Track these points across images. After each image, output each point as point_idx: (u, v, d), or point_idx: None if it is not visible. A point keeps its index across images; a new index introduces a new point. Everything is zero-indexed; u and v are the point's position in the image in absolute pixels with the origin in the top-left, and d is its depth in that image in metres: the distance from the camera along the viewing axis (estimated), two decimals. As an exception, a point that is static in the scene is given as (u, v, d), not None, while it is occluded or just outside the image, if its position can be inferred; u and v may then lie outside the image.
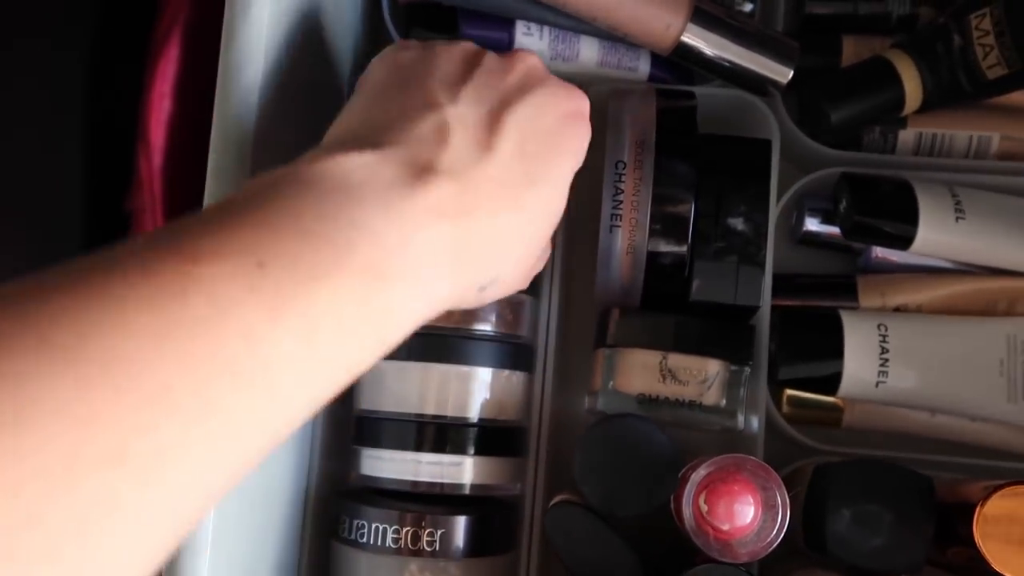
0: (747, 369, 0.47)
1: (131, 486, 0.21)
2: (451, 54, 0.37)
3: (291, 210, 0.28)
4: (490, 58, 0.37)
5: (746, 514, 0.40)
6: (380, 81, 0.36)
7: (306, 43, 0.45)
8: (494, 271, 0.35)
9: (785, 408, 0.52)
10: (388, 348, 0.30)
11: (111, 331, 0.22)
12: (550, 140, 0.36)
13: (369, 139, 0.32)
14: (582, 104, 0.39)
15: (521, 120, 0.35)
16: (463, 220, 0.32)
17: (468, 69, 0.36)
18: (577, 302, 0.52)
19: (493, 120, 0.34)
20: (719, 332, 0.47)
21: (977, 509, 0.40)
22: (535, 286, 0.50)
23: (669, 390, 0.47)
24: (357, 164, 0.30)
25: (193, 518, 0.24)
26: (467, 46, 0.38)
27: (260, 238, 0.26)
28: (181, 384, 0.23)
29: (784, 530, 0.40)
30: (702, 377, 0.47)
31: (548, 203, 0.37)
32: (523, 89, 0.36)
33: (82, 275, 0.23)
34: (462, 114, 0.34)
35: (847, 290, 0.52)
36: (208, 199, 0.39)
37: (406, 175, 0.31)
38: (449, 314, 0.47)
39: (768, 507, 0.41)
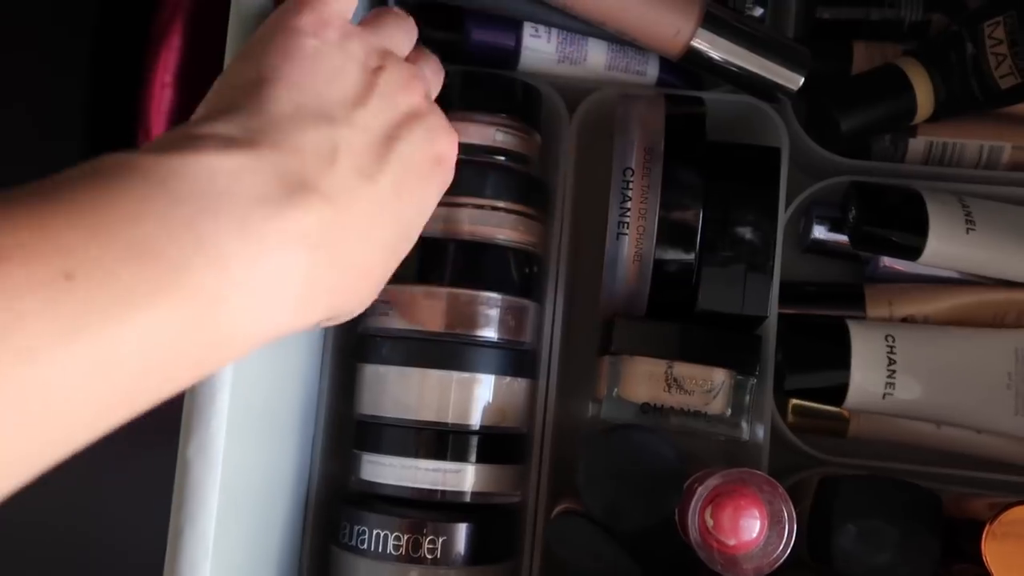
0: (753, 379, 0.47)
1: None
2: (355, 57, 0.34)
3: (130, 211, 0.25)
4: (392, 70, 0.35)
5: (752, 529, 0.40)
6: (274, 56, 0.33)
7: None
8: (340, 308, 0.34)
9: (790, 418, 0.52)
10: (211, 371, 0.28)
11: None
12: (423, 181, 0.36)
13: (248, 133, 0.29)
14: (454, 149, 0.38)
15: (404, 155, 0.34)
16: (324, 250, 0.30)
17: (370, 84, 0.34)
18: (581, 309, 0.52)
19: (381, 150, 0.33)
20: (725, 341, 0.47)
21: (986, 527, 0.39)
22: (539, 293, 0.50)
23: (674, 399, 0.46)
24: (225, 168, 0.27)
25: None
26: (376, 44, 0.36)
27: (79, 242, 0.23)
28: None
29: (791, 546, 0.40)
30: (708, 386, 0.46)
31: (407, 243, 0.37)
32: (413, 118, 0.35)
33: None
34: (353, 137, 0.32)
35: (854, 299, 0.52)
36: None
37: (278, 190, 0.28)
38: (451, 319, 0.47)
39: (774, 522, 0.40)
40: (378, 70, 0.35)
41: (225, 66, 0.37)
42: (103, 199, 0.25)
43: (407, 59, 0.39)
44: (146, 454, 0.50)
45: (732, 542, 0.40)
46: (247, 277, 0.27)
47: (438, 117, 0.38)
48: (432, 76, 0.41)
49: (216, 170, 0.27)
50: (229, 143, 0.28)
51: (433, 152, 0.37)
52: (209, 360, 0.27)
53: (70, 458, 0.24)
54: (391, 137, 0.34)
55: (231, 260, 0.26)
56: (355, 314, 0.36)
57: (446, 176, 0.38)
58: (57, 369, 0.22)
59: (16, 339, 0.21)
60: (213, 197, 0.27)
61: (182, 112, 0.72)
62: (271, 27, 0.34)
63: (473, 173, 0.47)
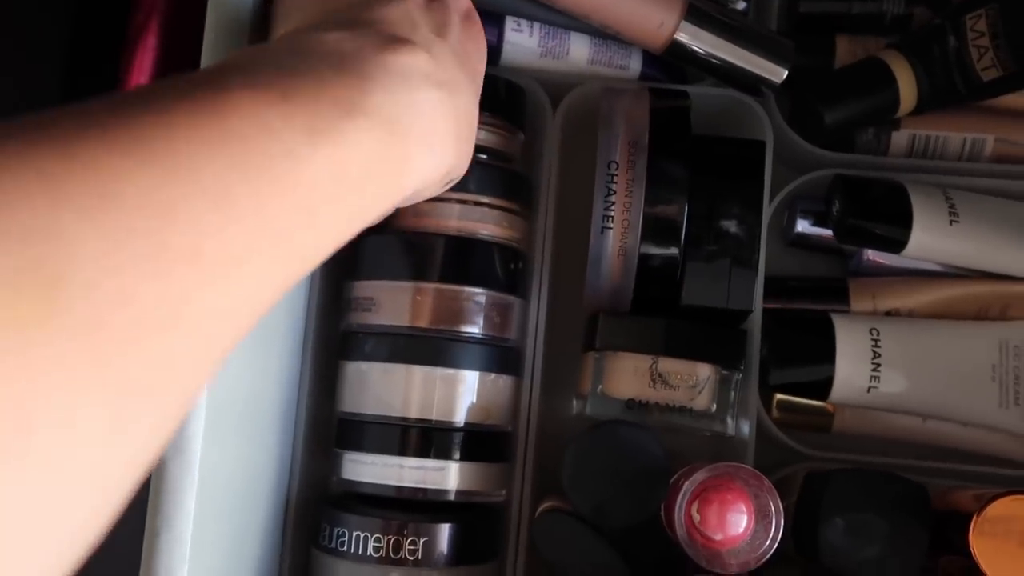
0: (738, 373, 0.46)
1: (205, 284, 0.22)
2: None
3: (299, 62, 0.28)
4: None
5: (739, 524, 0.39)
6: None
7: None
8: (463, 158, 0.37)
9: (775, 413, 0.52)
10: (395, 203, 0.31)
11: (172, 137, 0.22)
12: (471, 36, 0.38)
13: (333, 23, 0.32)
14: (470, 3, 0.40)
15: (454, 18, 0.36)
16: (446, 91, 0.33)
17: None
18: (567, 305, 0.51)
19: (441, 17, 0.36)
20: (710, 336, 0.46)
21: (973, 519, 0.39)
22: (524, 289, 0.49)
23: (659, 395, 0.46)
24: (339, 37, 0.30)
25: (245, 327, 0.25)
26: None
27: (280, 77, 0.27)
28: (240, 192, 0.23)
29: (778, 540, 0.39)
30: (692, 381, 0.46)
31: (479, 90, 0.38)
32: None
33: (129, 101, 0.23)
34: (415, 7, 0.34)
35: (838, 293, 0.51)
36: None
37: (390, 44, 0.31)
38: (435, 315, 0.46)
39: (761, 517, 0.40)
40: None
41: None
42: (272, 57, 0.29)
43: None
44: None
45: (719, 537, 0.39)
46: (410, 107, 0.30)
47: None
48: None
49: (336, 39, 0.30)
50: (328, 26, 0.31)
51: (463, 7, 0.38)
52: (400, 182, 0.31)
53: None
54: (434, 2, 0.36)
55: (394, 93, 0.30)
56: (465, 168, 0.38)
57: (480, 25, 0.40)
58: (310, 165, 0.26)
59: (275, 140, 0.25)
60: (350, 53, 0.30)
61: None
62: None
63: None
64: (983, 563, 0.39)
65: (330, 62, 0.29)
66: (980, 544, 0.39)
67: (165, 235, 0.21)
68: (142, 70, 0.70)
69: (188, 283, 0.21)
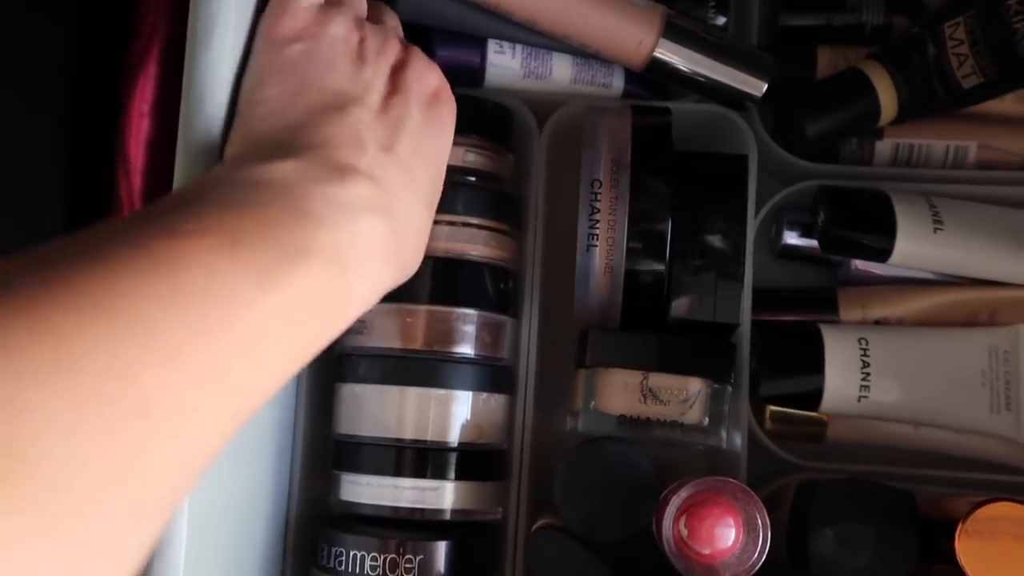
0: (729, 387, 0.47)
1: (156, 439, 0.23)
2: (338, 39, 0.37)
3: (246, 201, 0.30)
4: (370, 36, 0.39)
5: (727, 537, 0.40)
6: (272, 76, 0.37)
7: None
8: (407, 265, 0.38)
9: (768, 424, 0.52)
10: (341, 331, 0.32)
11: (129, 297, 0.24)
12: (432, 124, 0.39)
13: (281, 148, 0.33)
14: (442, 77, 0.41)
15: (409, 110, 0.38)
16: (388, 216, 0.34)
17: (360, 57, 0.37)
18: (558, 323, 0.52)
19: (388, 119, 0.37)
20: (700, 350, 0.47)
21: (959, 526, 0.40)
22: (515, 308, 0.50)
23: (650, 410, 0.46)
24: (285, 169, 0.32)
25: (199, 469, 0.26)
26: (348, 18, 0.38)
27: (229, 221, 0.28)
28: (192, 347, 0.24)
29: (765, 553, 0.40)
30: (683, 396, 0.46)
31: (438, 189, 0.40)
32: (400, 69, 0.39)
33: (79, 250, 0.24)
34: (365, 115, 0.36)
35: (827, 303, 0.52)
36: None
37: (333, 174, 0.33)
38: (426, 337, 0.47)
39: (750, 530, 0.40)
40: (361, 42, 0.38)
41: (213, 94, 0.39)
42: (220, 197, 0.30)
43: (368, 17, 0.41)
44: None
45: (707, 551, 0.40)
46: (352, 241, 0.32)
47: (417, 55, 0.40)
48: (391, 21, 0.43)
49: (282, 171, 0.32)
50: (275, 156, 0.33)
51: (429, 91, 0.40)
52: (345, 312, 0.32)
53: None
54: (391, 97, 0.37)
55: (338, 228, 0.31)
56: (414, 271, 0.39)
57: (450, 105, 0.41)
58: (257, 310, 0.27)
59: (226, 289, 0.26)
60: (294, 185, 0.31)
61: (160, 140, 0.72)
62: (259, 49, 0.38)
63: (446, 191, 0.47)
64: (969, 570, 0.39)
65: (277, 197, 0.30)
66: (966, 551, 0.39)
67: (118, 395, 0.22)
68: (144, 98, 0.71)
69: (140, 440, 0.22)
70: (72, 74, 0.71)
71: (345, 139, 0.34)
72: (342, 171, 0.33)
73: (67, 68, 0.71)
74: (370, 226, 0.33)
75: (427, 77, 0.40)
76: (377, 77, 0.38)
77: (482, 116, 0.49)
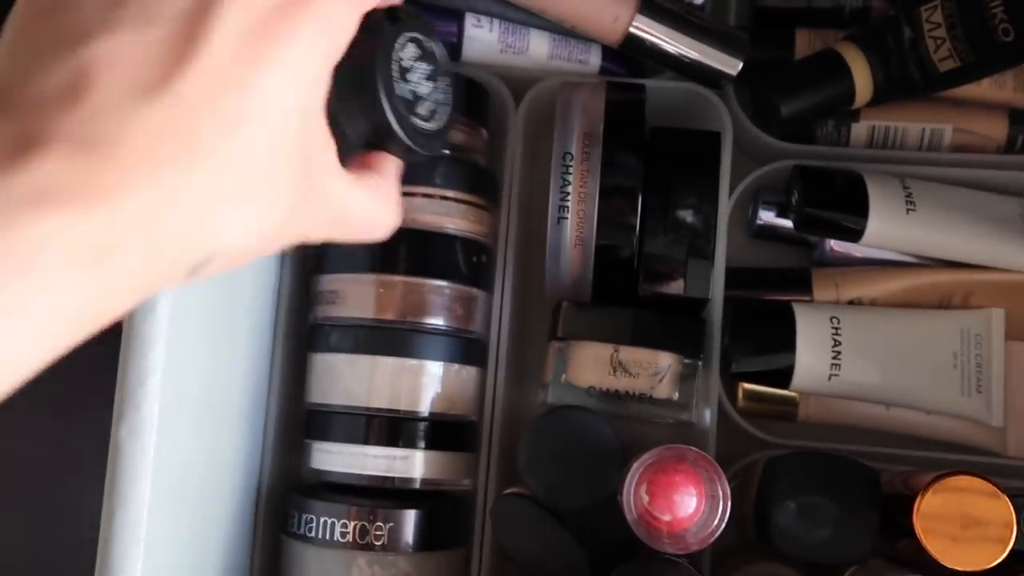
0: (699, 362, 0.47)
1: None
2: None
3: None
4: None
5: (687, 505, 0.40)
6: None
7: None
8: (199, 250, 0.25)
9: (741, 402, 0.52)
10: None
11: None
12: (271, 35, 0.25)
13: None
14: None
15: (226, 19, 0.25)
16: (106, 198, 0.23)
17: None
18: (531, 298, 0.52)
19: (181, 36, 0.24)
20: (670, 325, 0.47)
21: (917, 500, 0.40)
22: (488, 281, 0.50)
23: (620, 383, 0.47)
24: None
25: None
26: None
27: None
28: None
29: (725, 521, 0.40)
30: (653, 370, 0.47)
31: (275, 120, 0.26)
32: None
33: None
34: (121, 47, 0.24)
35: (801, 283, 0.52)
36: None
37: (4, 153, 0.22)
38: (399, 307, 0.47)
39: (710, 498, 0.40)
40: None
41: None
42: None
43: None
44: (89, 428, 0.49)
45: (668, 518, 0.40)
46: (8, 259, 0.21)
47: None
48: None
49: None
50: None
51: None
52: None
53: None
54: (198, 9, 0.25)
55: None
56: (270, 246, 0.28)
57: (321, 18, 0.26)
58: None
59: None
60: None
61: None
62: None
63: (421, 164, 0.48)
64: (928, 544, 0.40)
65: None
66: (924, 524, 0.40)
67: None
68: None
69: None
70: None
71: (56, 89, 0.23)
72: (22, 147, 0.22)
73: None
74: (54, 226, 0.22)
75: None
76: None
77: (457, 91, 0.49)
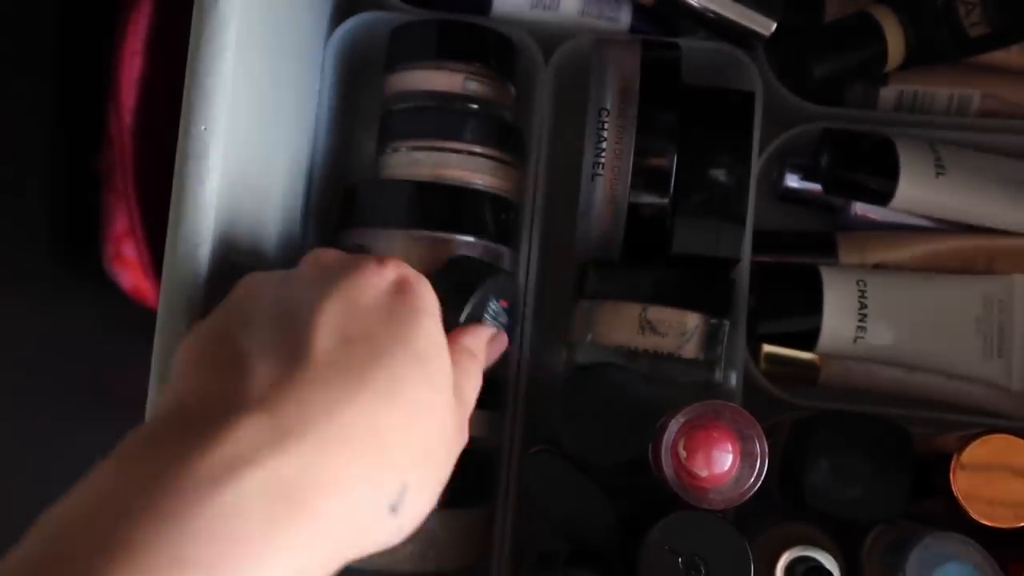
0: (726, 323, 0.47)
1: None
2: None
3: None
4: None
5: (724, 461, 0.40)
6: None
7: (278, 11, 0.43)
8: (390, 484, 0.29)
9: (762, 364, 0.52)
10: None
11: None
12: (379, 315, 0.32)
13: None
14: (396, 271, 0.35)
15: (334, 313, 0.31)
16: (283, 447, 0.26)
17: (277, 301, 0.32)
18: (558, 256, 0.51)
19: (299, 329, 0.30)
20: (699, 285, 0.47)
21: (954, 457, 0.40)
22: (515, 239, 0.50)
23: (648, 342, 0.46)
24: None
25: None
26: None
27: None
28: None
29: (762, 478, 0.40)
30: (681, 330, 0.46)
31: (411, 369, 0.31)
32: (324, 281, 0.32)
33: None
34: (259, 341, 0.30)
35: (827, 247, 0.52)
36: (182, 156, 0.37)
37: (195, 432, 0.26)
38: (425, 264, 0.47)
39: (746, 454, 0.40)
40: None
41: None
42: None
43: None
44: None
45: (704, 474, 0.40)
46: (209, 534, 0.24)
47: (362, 259, 0.34)
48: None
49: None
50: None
51: (384, 285, 0.33)
52: None
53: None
54: (309, 307, 0.31)
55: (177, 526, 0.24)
56: (444, 472, 0.33)
57: (416, 301, 0.33)
58: None
59: None
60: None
61: (151, 79, 0.71)
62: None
63: (451, 119, 0.47)
64: (964, 501, 0.40)
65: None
66: (961, 483, 0.40)
67: None
68: (137, 36, 0.70)
69: None
70: (64, 11, 0.70)
71: (227, 379, 0.29)
72: (218, 421, 0.26)
73: (60, 7, 0.70)
74: (245, 490, 0.25)
75: (383, 267, 0.34)
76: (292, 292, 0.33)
77: (484, 44, 0.49)
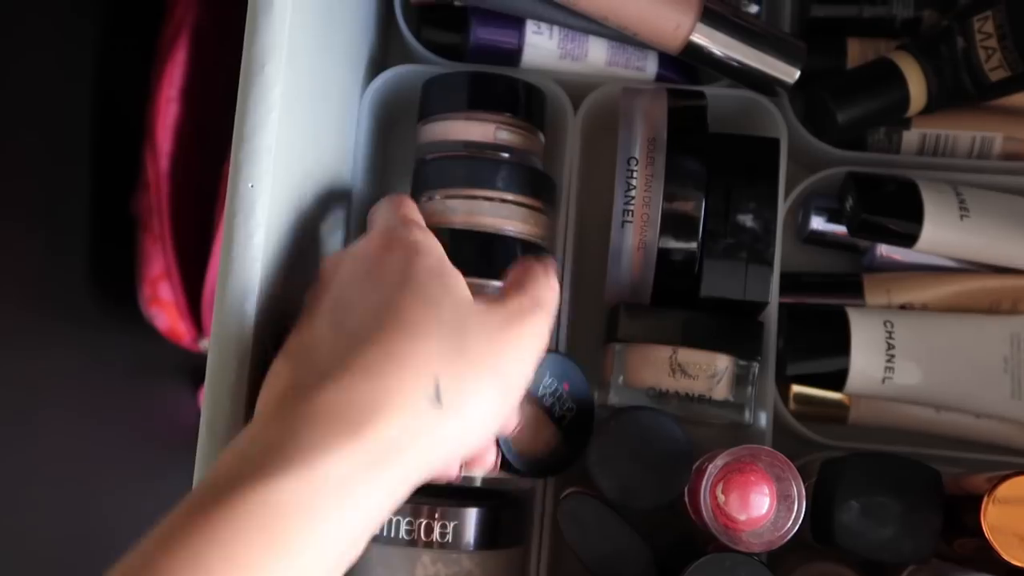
0: (755, 364, 0.48)
1: None
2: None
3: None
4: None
5: (762, 504, 0.41)
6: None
7: (322, 45, 0.45)
8: (422, 379, 0.34)
9: (792, 405, 0.53)
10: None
11: None
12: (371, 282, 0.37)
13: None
14: (397, 214, 0.41)
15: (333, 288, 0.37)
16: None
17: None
18: (588, 300, 0.53)
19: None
20: (728, 328, 0.48)
21: (985, 498, 0.40)
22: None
23: (679, 384, 0.47)
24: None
25: None
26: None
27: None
28: None
29: (800, 520, 0.41)
30: (711, 371, 0.47)
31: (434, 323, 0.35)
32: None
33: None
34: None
35: (853, 288, 0.53)
36: (233, 182, 0.39)
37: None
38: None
39: (783, 497, 0.41)
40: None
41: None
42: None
43: None
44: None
45: (743, 518, 0.40)
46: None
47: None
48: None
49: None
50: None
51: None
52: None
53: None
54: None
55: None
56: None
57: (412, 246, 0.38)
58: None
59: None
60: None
61: (186, 125, 0.73)
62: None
63: (483, 167, 0.48)
64: (995, 541, 0.40)
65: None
66: (992, 523, 0.40)
67: None
68: (172, 83, 0.72)
69: None
70: (102, 60, 0.72)
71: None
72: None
73: (98, 54, 0.72)
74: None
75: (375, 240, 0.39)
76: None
77: (513, 94, 0.50)
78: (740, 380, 0.48)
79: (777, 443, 0.49)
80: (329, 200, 0.49)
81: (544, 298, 0.38)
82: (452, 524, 0.46)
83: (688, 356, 0.47)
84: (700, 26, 0.49)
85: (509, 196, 0.49)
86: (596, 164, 0.52)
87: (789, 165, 0.53)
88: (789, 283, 0.52)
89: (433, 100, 0.51)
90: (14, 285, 0.66)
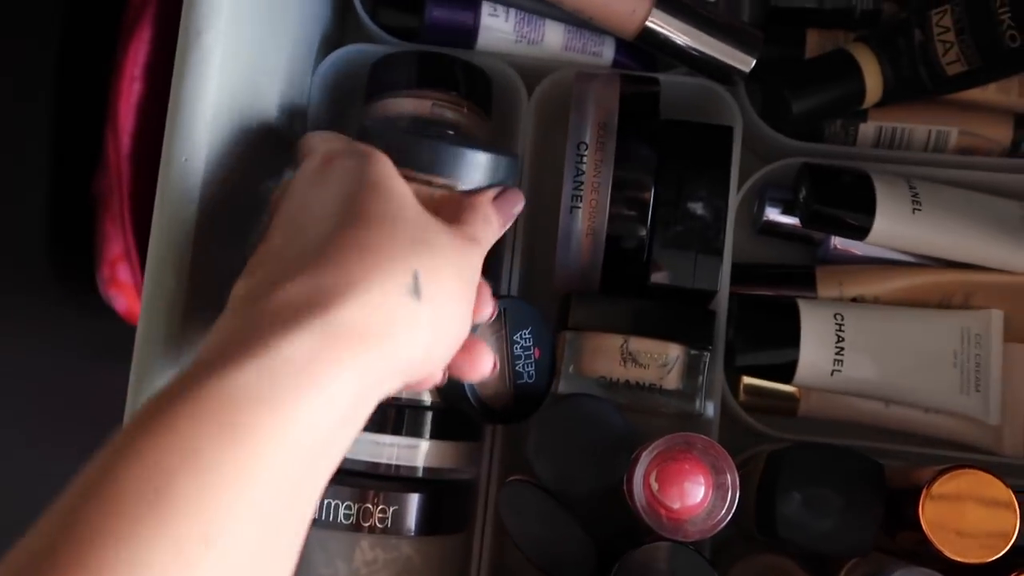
0: (706, 354, 0.47)
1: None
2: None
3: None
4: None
5: (696, 493, 0.40)
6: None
7: (268, 19, 0.44)
8: (399, 271, 0.33)
9: (742, 396, 0.53)
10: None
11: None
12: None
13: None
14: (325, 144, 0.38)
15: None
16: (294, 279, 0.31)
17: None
18: (538, 285, 0.52)
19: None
20: (679, 316, 0.47)
21: (923, 492, 0.40)
22: (496, 268, 0.50)
23: (630, 373, 0.47)
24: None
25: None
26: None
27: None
28: None
29: (734, 509, 0.40)
30: (662, 360, 0.47)
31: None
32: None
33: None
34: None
35: (805, 280, 0.53)
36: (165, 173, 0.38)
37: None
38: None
39: (718, 486, 0.41)
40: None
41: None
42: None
43: None
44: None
45: (677, 506, 0.40)
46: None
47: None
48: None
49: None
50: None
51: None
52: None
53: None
54: None
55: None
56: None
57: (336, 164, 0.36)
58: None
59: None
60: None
61: (150, 104, 0.72)
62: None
63: (423, 148, 0.48)
64: (932, 535, 0.40)
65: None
66: (929, 516, 0.40)
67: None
68: (136, 62, 0.71)
69: None
70: (65, 38, 0.71)
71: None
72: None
73: (60, 32, 0.71)
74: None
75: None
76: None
77: (464, 78, 0.49)
78: (691, 369, 0.47)
79: (726, 434, 0.49)
80: (277, 177, 0.48)
81: (481, 236, 0.38)
82: (392, 509, 0.46)
83: (639, 345, 0.47)
84: (656, 12, 0.48)
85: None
86: (551, 149, 0.51)
87: (745, 155, 0.52)
88: (742, 274, 0.52)
89: (375, 80, 0.50)
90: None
